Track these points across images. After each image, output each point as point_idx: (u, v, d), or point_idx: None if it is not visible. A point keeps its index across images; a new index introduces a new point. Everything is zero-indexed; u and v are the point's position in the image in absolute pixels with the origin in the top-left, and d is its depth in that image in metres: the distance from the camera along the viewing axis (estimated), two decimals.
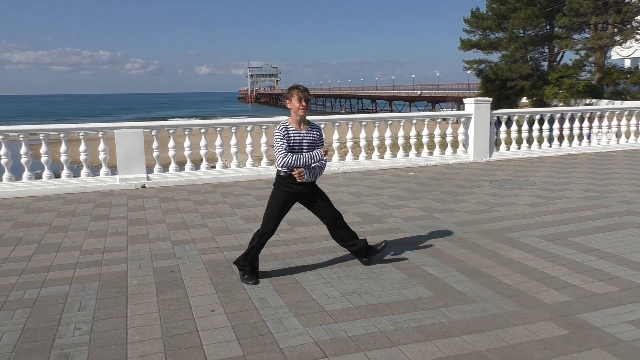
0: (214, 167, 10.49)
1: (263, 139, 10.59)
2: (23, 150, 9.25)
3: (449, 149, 11.96)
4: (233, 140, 10.35)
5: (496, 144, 12.58)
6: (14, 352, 3.63)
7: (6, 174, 9.20)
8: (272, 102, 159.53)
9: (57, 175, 9.60)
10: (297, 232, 6.53)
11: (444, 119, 12.17)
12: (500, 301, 4.33)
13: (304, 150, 4.94)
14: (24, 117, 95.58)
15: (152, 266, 5.38)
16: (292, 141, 4.88)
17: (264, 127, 10.51)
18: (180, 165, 10.25)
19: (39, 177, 9.51)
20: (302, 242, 6.10)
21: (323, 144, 5.12)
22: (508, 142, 12.59)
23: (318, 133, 5.04)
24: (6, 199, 8.84)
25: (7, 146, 9.19)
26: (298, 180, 4.87)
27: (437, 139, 11.83)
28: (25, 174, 9.30)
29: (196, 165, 10.33)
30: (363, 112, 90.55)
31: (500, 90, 35.26)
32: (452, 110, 45.45)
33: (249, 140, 10.52)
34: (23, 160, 9.27)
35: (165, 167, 10.14)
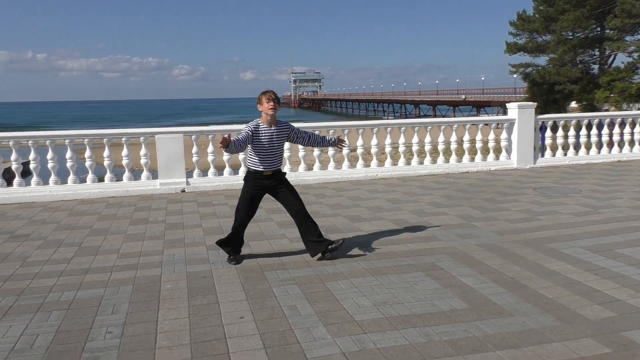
0: None
1: (301, 145, 10.54)
2: (68, 154, 9.55)
3: (491, 155, 11.67)
4: None
5: (541, 150, 12.19)
6: (47, 354, 3.70)
7: (52, 178, 9.51)
8: (315, 107, 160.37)
9: (100, 179, 9.85)
10: (331, 239, 6.44)
11: (486, 124, 11.87)
12: (539, 315, 4.14)
13: (275, 146, 5.47)
14: (75, 122, 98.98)
15: (186, 271, 5.41)
16: (262, 138, 5.39)
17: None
18: (219, 170, 10.35)
19: (84, 181, 9.77)
20: None
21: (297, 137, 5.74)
22: (554, 148, 12.19)
23: (288, 129, 5.62)
24: (52, 202, 9.12)
25: (54, 151, 9.49)
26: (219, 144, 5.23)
27: (478, 145, 11.56)
28: (70, 177, 9.60)
29: (235, 170, 10.41)
30: (406, 117, 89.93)
31: (548, 95, 34.34)
32: (497, 115, 44.39)
33: (287, 145, 10.52)
34: (68, 164, 9.56)
35: (204, 172, 10.26)
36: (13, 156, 9.34)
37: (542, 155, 12.10)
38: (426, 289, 4.76)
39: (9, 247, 6.42)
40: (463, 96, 77.37)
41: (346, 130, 10.82)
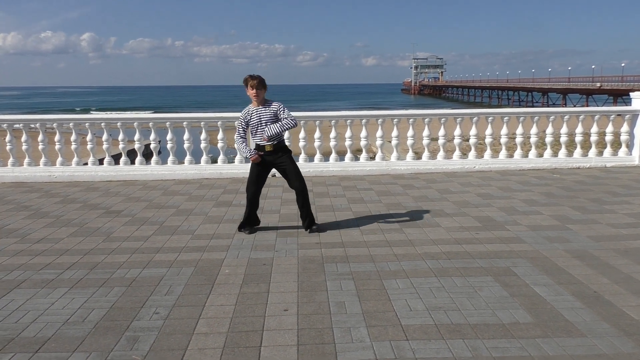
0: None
1: (410, 132, 10.18)
2: (169, 136, 10.03)
3: (608, 150, 10.49)
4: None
5: None
6: (94, 329, 3.85)
7: (154, 159, 10.07)
8: (436, 93, 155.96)
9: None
10: (405, 234, 6.14)
11: (604, 115, 10.67)
12: (616, 339, 3.58)
13: (262, 124, 6.11)
14: (200, 106, 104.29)
15: (249, 257, 5.42)
16: (250, 119, 6.19)
17: (411, 120, 10.20)
18: (326, 156, 10.27)
19: (182, 162, 10.23)
20: (405, 245, 5.71)
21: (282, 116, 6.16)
22: None
23: (275, 108, 6.17)
24: (152, 181, 9.67)
25: (156, 132, 10.04)
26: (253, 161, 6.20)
27: (593, 138, 10.44)
28: (170, 158, 10.09)
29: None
30: (533, 105, 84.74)
31: None
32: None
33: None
34: (168, 145, 10.06)
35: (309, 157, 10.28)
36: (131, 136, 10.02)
37: None
38: (490, 296, 4.33)
39: (100, 222, 6.87)
40: (598, 84, 71.04)
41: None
